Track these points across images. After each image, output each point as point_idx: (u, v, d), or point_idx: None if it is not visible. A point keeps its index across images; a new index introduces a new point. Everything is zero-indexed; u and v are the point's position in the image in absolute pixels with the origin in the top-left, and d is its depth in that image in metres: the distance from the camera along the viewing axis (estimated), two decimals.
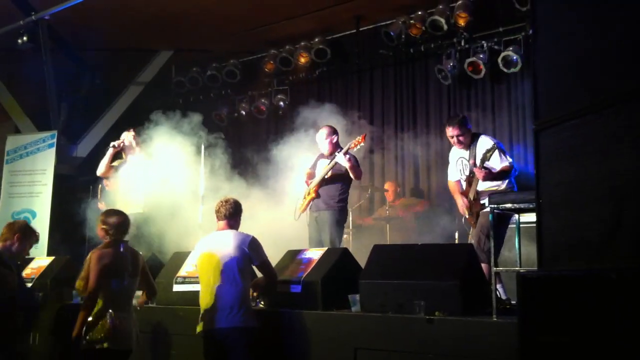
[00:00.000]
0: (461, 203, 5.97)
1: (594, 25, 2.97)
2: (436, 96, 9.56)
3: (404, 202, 9.28)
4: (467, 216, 5.98)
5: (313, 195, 6.70)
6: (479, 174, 5.66)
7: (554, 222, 3.06)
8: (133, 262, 4.91)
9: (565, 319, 2.79)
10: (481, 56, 8.75)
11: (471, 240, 5.93)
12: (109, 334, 4.60)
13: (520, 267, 5.06)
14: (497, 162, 5.72)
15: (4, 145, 10.25)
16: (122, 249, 4.84)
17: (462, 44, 9.04)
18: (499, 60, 8.52)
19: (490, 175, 5.68)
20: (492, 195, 4.90)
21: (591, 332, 2.67)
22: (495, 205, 4.64)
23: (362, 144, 6.61)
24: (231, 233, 5.10)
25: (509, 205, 4.61)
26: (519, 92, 8.73)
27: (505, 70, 8.55)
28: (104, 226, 4.89)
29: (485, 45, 8.79)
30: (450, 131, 5.93)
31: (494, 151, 5.64)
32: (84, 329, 4.61)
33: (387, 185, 9.36)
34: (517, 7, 8.31)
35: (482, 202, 5.72)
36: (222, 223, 5.17)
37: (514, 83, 8.79)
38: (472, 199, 5.84)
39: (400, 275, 4.77)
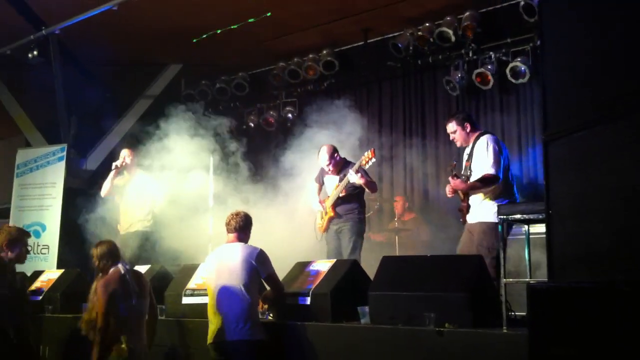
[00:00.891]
0: (447, 190, 5.83)
1: (602, 37, 2.97)
2: (444, 107, 9.57)
3: (413, 218, 9.26)
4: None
5: (331, 214, 6.70)
6: (460, 184, 5.57)
7: (564, 233, 3.05)
8: (139, 283, 4.89)
9: (575, 330, 2.77)
10: (489, 67, 8.75)
11: (460, 248, 5.85)
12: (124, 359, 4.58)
13: (530, 278, 5.03)
14: (479, 167, 5.60)
15: (14, 159, 10.30)
16: (124, 272, 4.82)
17: (470, 55, 9.05)
18: (507, 71, 8.52)
19: (471, 186, 5.56)
20: (502, 206, 4.88)
21: (602, 344, 2.66)
22: (505, 217, 4.62)
23: (373, 159, 6.53)
24: (240, 246, 5.11)
25: (518, 216, 4.59)
26: (528, 103, 8.73)
27: (513, 81, 8.55)
28: (94, 259, 4.92)
29: (493, 56, 8.79)
30: (447, 127, 5.90)
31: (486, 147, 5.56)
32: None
33: (396, 200, 9.35)
34: (525, 18, 8.31)
35: (469, 202, 5.66)
36: (232, 236, 5.18)
37: (523, 94, 8.79)
38: (462, 192, 5.70)
39: (409, 286, 4.75)
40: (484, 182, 5.55)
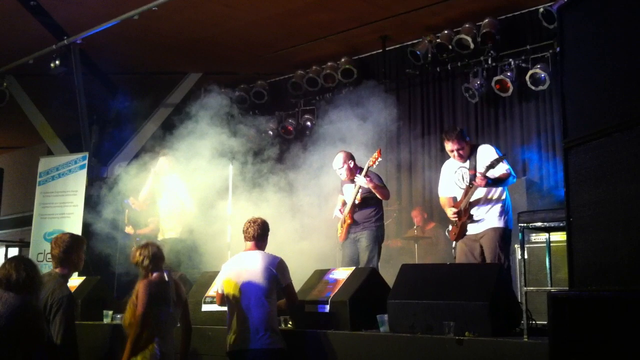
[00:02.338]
0: (449, 213, 5.88)
1: (622, 44, 2.95)
2: (463, 115, 9.54)
3: (433, 226, 9.23)
4: (450, 228, 5.92)
5: (349, 221, 6.70)
6: (481, 181, 5.56)
7: (585, 241, 3.02)
8: (177, 292, 4.84)
9: (596, 340, 2.75)
10: (509, 74, 8.72)
11: (455, 258, 5.87)
12: None
13: (551, 286, 4.99)
14: (500, 170, 5.67)
15: (36, 167, 10.43)
16: (167, 279, 4.76)
17: (490, 62, 9.02)
18: (527, 78, 8.48)
19: (487, 182, 5.60)
20: (522, 213, 4.85)
21: (623, 354, 2.63)
22: (525, 224, 4.59)
23: (379, 159, 6.59)
24: (260, 254, 5.11)
25: (539, 224, 4.56)
26: (547, 110, 8.67)
27: (533, 88, 8.51)
28: (144, 258, 4.78)
29: (512, 63, 8.76)
30: (450, 145, 5.86)
31: (500, 161, 5.59)
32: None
33: (413, 213, 9.32)
34: (545, 25, 8.29)
35: (471, 212, 5.71)
36: (251, 244, 5.18)
37: (542, 101, 8.74)
38: (462, 208, 5.76)
39: (429, 295, 4.73)
40: (503, 180, 5.68)
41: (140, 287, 4.69)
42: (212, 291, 5.94)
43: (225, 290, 5.06)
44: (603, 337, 2.72)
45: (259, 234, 5.17)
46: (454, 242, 5.91)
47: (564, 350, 2.91)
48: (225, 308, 5.16)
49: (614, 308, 2.71)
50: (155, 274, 4.74)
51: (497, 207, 5.72)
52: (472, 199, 5.74)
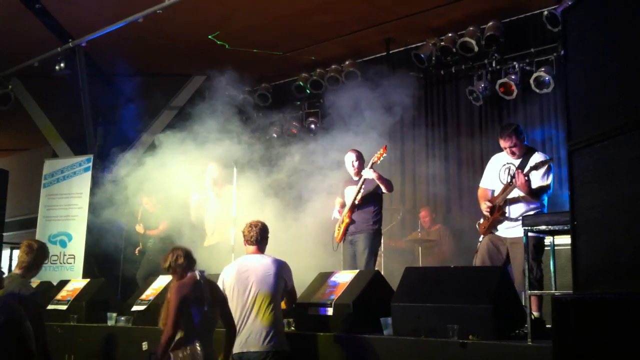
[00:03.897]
0: (484, 206, 5.77)
1: (626, 46, 2.94)
2: (467, 118, 9.53)
3: (437, 228, 9.22)
4: (481, 221, 5.85)
5: (347, 221, 6.71)
6: (520, 178, 5.45)
7: (589, 244, 3.01)
8: (212, 292, 4.73)
9: (600, 343, 2.74)
10: (513, 77, 8.71)
11: (476, 258, 5.79)
12: None
13: (556, 290, 4.98)
14: (539, 178, 5.56)
15: (41, 169, 10.46)
16: (199, 279, 4.68)
17: (494, 65, 9.02)
18: (531, 81, 8.47)
19: (528, 187, 5.49)
20: (526, 217, 4.84)
21: (627, 357, 2.62)
22: (530, 227, 4.58)
23: (384, 155, 6.63)
24: (267, 258, 5.12)
25: (543, 227, 4.55)
26: (552, 112, 8.66)
27: (537, 91, 8.50)
28: (177, 258, 4.73)
29: (517, 66, 8.75)
30: (503, 142, 5.72)
31: (546, 165, 5.49)
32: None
33: (422, 213, 9.31)
34: (549, 28, 8.28)
35: (505, 210, 5.61)
36: (253, 247, 5.18)
37: (547, 104, 8.72)
38: (497, 204, 5.67)
39: (433, 298, 4.73)
40: (539, 192, 5.56)
41: (172, 289, 4.65)
42: None
43: (231, 294, 5.03)
44: (607, 340, 2.71)
45: (261, 237, 5.19)
46: (481, 237, 5.83)
47: (568, 354, 2.90)
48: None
49: (619, 311, 2.70)
50: (188, 275, 4.68)
51: (533, 214, 5.50)
52: (509, 197, 5.63)
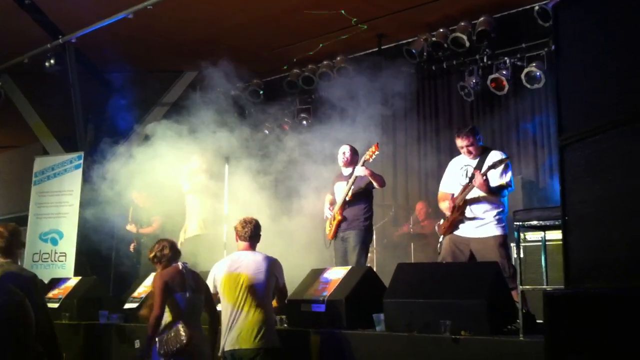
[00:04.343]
0: (446, 206, 5.85)
1: (617, 40, 2.95)
2: (459, 113, 9.55)
3: (429, 222, 9.23)
4: (441, 222, 5.91)
5: (339, 218, 6.70)
6: (479, 178, 5.52)
7: (580, 239, 3.02)
8: (195, 279, 4.93)
9: (592, 338, 2.74)
10: (504, 72, 8.73)
11: (440, 253, 5.86)
12: (183, 347, 4.61)
13: (547, 285, 4.99)
14: (498, 177, 5.64)
15: (31, 167, 10.39)
16: (182, 268, 4.90)
17: (485, 60, 9.02)
18: (522, 76, 8.49)
19: (486, 186, 5.56)
20: (518, 212, 4.84)
21: (619, 353, 2.62)
22: (521, 223, 4.59)
23: (376, 152, 6.62)
24: (258, 255, 5.12)
25: (534, 223, 4.55)
26: (543, 108, 8.68)
27: (528, 86, 8.51)
28: (163, 249, 4.96)
29: (508, 61, 8.76)
30: (460, 141, 5.82)
31: (503, 163, 5.57)
32: (158, 345, 4.66)
33: (418, 206, 9.32)
34: (540, 23, 8.29)
35: (465, 210, 5.68)
36: (246, 244, 5.19)
37: (538, 99, 8.74)
38: (457, 204, 5.73)
39: (425, 294, 4.74)
40: (499, 190, 5.64)
41: (156, 276, 4.88)
42: None
43: (222, 290, 5.04)
44: (599, 334, 2.71)
45: (254, 234, 5.20)
46: (441, 237, 5.90)
47: (560, 348, 2.91)
48: (220, 307, 5.15)
49: (610, 305, 2.70)
50: (172, 265, 4.90)
51: (494, 212, 5.64)
52: (468, 197, 5.71)
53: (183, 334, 4.64)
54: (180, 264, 4.92)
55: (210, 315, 5.00)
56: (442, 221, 5.91)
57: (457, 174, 5.97)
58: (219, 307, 5.13)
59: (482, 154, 5.82)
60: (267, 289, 4.98)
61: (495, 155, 5.73)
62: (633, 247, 2.72)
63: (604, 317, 2.72)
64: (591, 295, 2.83)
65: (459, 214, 5.71)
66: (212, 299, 5.04)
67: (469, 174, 5.80)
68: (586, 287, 2.94)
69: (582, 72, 3.19)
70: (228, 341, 4.86)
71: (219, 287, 5.06)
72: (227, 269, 5.08)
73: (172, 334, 4.65)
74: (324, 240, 6.93)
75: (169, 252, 4.93)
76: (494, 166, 5.53)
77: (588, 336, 2.78)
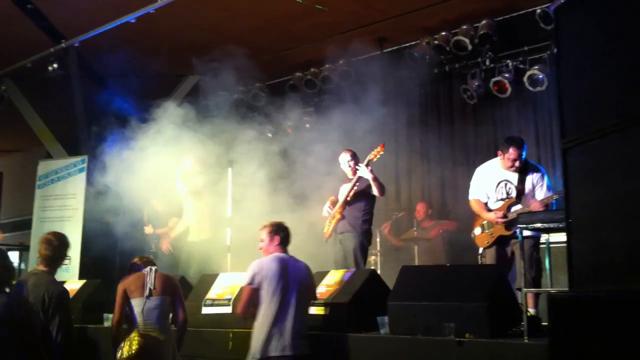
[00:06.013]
0: (493, 217, 5.84)
1: (619, 44, 2.96)
2: (461, 116, 9.54)
3: (433, 223, 9.23)
4: (478, 232, 5.92)
5: (338, 217, 6.70)
6: (536, 207, 5.59)
7: (584, 242, 3.03)
8: (161, 282, 5.10)
9: (596, 340, 2.75)
10: (507, 75, 8.73)
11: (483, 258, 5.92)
12: (133, 357, 4.76)
13: (552, 288, 4.99)
14: (544, 194, 5.79)
15: (35, 171, 10.41)
16: (144, 271, 5.14)
17: (487, 63, 9.03)
18: (525, 79, 8.49)
19: (544, 206, 5.66)
20: (522, 214, 4.86)
21: (622, 355, 2.63)
22: (525, 225, 4.60)
23: (381, 152, 6.64)
24: (299, 261, 5.05)
25: (538, 225, 4.57)
26: (545, 110, 8.68)
27: (531, 89, 8.52)
28: (134, 261, 5.42)
29: (510, 64, 8.77)
30: (514, 151, 5.76)
31: (544, 180, 5.77)
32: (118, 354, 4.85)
33: (418, 206, 9.32)
34: (542, 26, 8.29)
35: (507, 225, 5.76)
36: (283, 248, 5.03)
37: (540, 102, 8.74)
38: (511, 219, 5.76)
39: (429, 296, 4.74)
40: (550, 203, 5.72)
41: (118, 287, 5.20)
42: (212, 294, 5.93)
43: (265, 292, 4.80)
44: (603, 337, 2.72)
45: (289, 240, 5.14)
46: (481, 249, 5.91)
47: (564, 351, 2.91)
48: (226, 310, 5.13)
49: (614, 308, 2.71)
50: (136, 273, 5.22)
51: None
52: (515, 208, 5.76)
53: (135, 343, 4.85)
54: (146, 270, 5.15)
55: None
56: (479, 231, 5.93)
57: (491, 184, 5.96)
58: (225, 310, 5.15)
59: (523, 167, 5.85)
60: (309, 296, 5.03)
61: (535, 175, 5.83)
62: (635, 249, 2.73)
63: (607, 319, 2.73)
64: (595, 298, 2.84)
65: (506, 230, 5.77)
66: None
67: (509, 191, 5.84)
68: (590, 290, 2.94)
69: (583, 75, 3.20)
70: (270, 347, 4.70)
71: (263, 288, 4.81)
72: (275, 271, 4.83)
73: (127, 343, 4.87)
74: (322, 239, 6.93)
75: (139, 262, 5.36)
76: (549, 203, 5.63)
77: (592, 338, 2.78)
